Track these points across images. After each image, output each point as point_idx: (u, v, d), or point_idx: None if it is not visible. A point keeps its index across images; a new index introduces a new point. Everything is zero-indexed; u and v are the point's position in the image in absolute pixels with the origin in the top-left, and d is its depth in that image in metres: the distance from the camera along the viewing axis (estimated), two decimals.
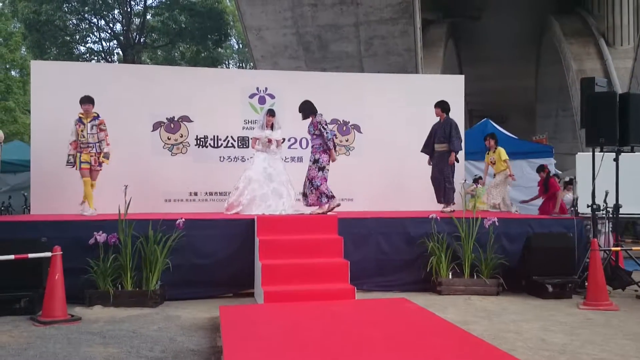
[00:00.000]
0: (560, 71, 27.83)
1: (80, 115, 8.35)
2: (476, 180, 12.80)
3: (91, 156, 8.29)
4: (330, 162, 8.41)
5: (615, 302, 6.79)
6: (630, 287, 7.58)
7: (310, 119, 8.43)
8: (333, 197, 8.32)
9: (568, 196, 12.32)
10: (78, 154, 8.27)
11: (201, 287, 7.04)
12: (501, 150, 10.07)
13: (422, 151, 9.38)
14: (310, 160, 8.42)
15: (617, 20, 26.29)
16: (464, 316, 6.09)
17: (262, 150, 8.57)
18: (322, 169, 8.31)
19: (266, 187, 8.36)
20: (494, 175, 10.21)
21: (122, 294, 6.50)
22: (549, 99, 33.73)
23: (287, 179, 8.60)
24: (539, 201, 11.60)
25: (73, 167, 8.33)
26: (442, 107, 9.22)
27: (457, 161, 9.11)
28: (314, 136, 8.40)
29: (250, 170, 8.50)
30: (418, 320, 5.23)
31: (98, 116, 8.41)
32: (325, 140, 8.28)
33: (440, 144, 9.10)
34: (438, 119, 9.25)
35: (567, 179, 13.65)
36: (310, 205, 8.36)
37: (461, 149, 9.18)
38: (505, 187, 10.04)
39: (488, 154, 10.31)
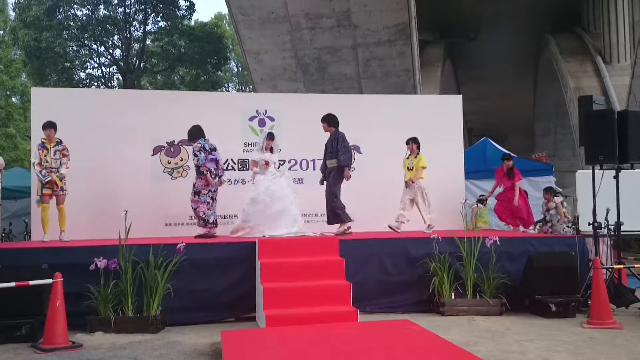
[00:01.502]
0: (558, 89, 27.99)
1: (43, 140, 8.39)
2: (480, 200, 12.67)
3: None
4: (210, 186, 8.42)
5: (619, 320, 6.75)
6: (634, 305, 7.53)
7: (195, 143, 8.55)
8: (206, 224, 8.37)
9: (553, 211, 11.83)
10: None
11: (202, 312, 7.00)
12: (422, 157, 9.28)
13: (320, 169, 9.07)
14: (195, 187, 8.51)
15: (613, 38, 26.49)
16: (468, 337, 6.05)
17: (259, 172, 8.60)
18: (197, 193, 8.40)
19: (273, 208, 8.31)
20: (405, 183, 9.41)
21: (123, 320, 6.46)
22: (547, 117, 33.92)
23: (293, 199, 8.58)
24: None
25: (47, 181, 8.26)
26: (328, 121, 8.80)
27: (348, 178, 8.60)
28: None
29: (254, 192, 8.52)
30: (421, 342, 5.19)
31: (61, 142, 8.45)
32: (198, 165, 8.40)
33: (330, 160, 8.73)
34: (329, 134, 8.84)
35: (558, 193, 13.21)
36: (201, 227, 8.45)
37: (349, 163, 8.60)
38: (424, 200, 9.18)
39: (408, 158, 9.57)
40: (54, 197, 8.33)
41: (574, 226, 10.62)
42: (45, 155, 8.30)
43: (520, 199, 10.04)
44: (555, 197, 11.05)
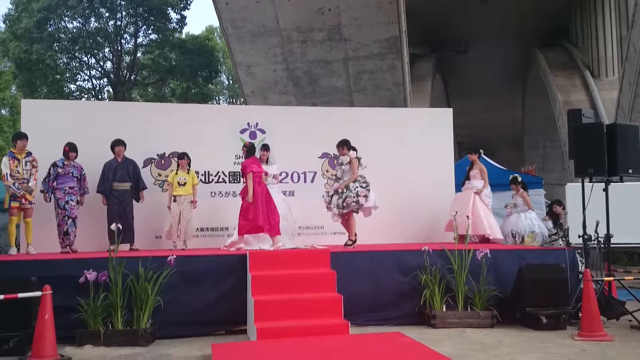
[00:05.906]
0: (547, 103, 28.23)
1: (13, 151, 8.43)
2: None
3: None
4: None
5: (610, 332, 6.77)
6: (624, 317, 7.55)
7: (75, 161, 8.70)
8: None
9: (548, 224, 11.79)
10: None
11: (193, 325, 6.95)
12: (193, 173, 9.25)
13: (98, 191, 8.94)
14: (74, 201, 8.57)
15: (601, 52, 26.77)
16: (459, 350, 6.04)
17: None
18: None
19: None
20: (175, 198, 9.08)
21: (113, 333, 6.40)
22: (536, 130, 34.16)
23: (286, 211, 8.58)
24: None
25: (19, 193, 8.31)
26: (125, 145, 9.02)
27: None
28: (75, 179, 8.63)
29: None
30: (413, 355, 5.19)
31: (30, 153, 8.49)
32: (85, 185, 8.75)
33: (122, 183, 8.88)
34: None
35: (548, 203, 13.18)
36: None
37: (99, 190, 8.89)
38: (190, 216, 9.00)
39: (177, 173, 9.27)
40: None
41: (563, 238, 10.66)
42: (16, 166, 8.30)
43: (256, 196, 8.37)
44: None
